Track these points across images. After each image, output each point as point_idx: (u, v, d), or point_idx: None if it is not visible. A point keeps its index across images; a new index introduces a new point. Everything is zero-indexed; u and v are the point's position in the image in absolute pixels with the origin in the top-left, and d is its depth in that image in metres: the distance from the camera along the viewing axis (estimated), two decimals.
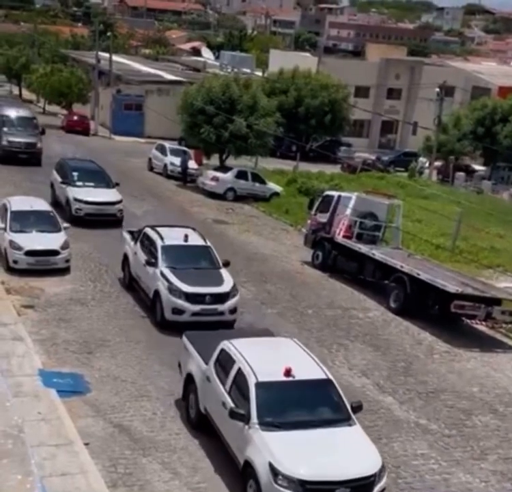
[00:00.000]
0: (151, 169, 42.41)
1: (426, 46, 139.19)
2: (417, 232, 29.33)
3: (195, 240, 20.42)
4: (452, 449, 14.46)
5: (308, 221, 27.31)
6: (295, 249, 28.23)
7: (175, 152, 41.67)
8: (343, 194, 26.53)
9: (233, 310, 18.72)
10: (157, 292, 18.59)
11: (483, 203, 41.17)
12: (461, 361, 19.12)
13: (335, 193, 26.91)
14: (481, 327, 21.71)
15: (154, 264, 19.02)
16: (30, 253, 21.24)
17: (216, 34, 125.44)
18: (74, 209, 27.03)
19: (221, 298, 18.48)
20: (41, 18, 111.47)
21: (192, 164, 40.70)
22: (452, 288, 20.34)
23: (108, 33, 70.38)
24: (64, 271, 21.75)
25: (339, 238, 25.14)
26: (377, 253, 23.64)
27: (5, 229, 21.74)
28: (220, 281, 18.96)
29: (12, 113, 39.24)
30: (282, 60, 65.07)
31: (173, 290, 18.18)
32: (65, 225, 22.89)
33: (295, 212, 33.59)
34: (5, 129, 37.72)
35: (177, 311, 18.11)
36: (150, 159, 42.71)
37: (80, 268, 22.38)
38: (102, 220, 27.12)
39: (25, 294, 19.62)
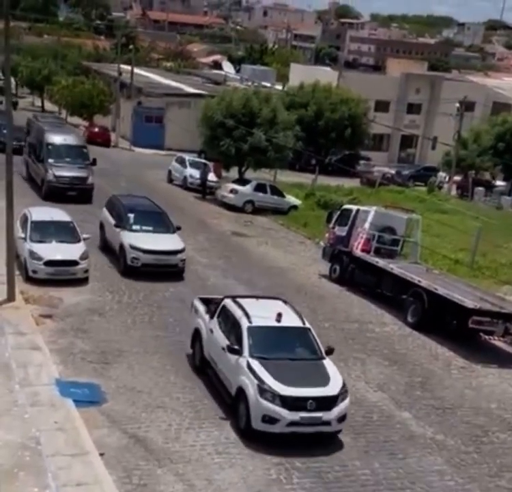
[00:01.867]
0: (170, 181, 42.63)
1: (447, 61, 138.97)
2: (435, 247, 29.25)
3: (290, 319, 15.93)
4: (468, 465, 14.35)
5: (327, 235, 27.32)
6: (313, 262, 28.22)
7: (194, 165, 41.90)
8: (361, 208, 26.54)
9: (342, 418, 14.40)
10: (241, 391, 14.39)
11: (503, 219, 40.95)
12: (478, 376, 19.00)
13: (354, 207, 26.94)
14: (499, 343, 21.57)
15: (238, 352, 14.84)
16: (49, 263, 21.38)
17: (237, 48, 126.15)
18: (130, 258, 23.00)
19: (328, 403, 14.11)
20: (65, 30, 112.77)
21: (211, 176, 40.87)
22: (470, 303, 20.24)
23: (130, 46, 71.11)
24: (83, 281, 21.86)
25: (357, 251, 25.13)
26: (395, 267, 23.60)
27: (25, 239, 21.93)
28: (325, 378, 14.61)
29: (58, 140, 33.59)
30: (302, 74, 65.25)
31: (264, 390, 13.91)
32: (85, 235, 23.04)
33: (314, 225, 33.61)
34: (50, 160, 32.56)
35: (269, 419, 13.84)
36: (170, 171, 42.95)
37: (99, 279, 22.50)
38: (161, 272, 23.35)
39: (44, 303, 19.73)
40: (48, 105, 70.87)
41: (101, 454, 12.69)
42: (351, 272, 25.43)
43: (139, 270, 23.01)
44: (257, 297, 17.33)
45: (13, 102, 58.80)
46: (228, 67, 78.49)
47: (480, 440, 15.47)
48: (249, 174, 40.59)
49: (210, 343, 16.35)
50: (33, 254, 21.41)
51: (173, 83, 66.29)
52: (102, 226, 25.85)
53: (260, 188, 37.54)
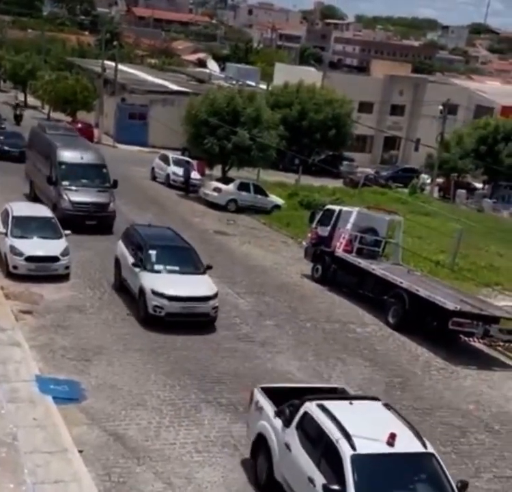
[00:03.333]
0: (153, 178, 42.51)
1: (430, 64, 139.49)
2: (417, 249, 29.38)
3: (405, 439, 11.03)
4: (447, 466, 14.32)
5: (309, 235, 27.36)
6: (295, 261, 28.25)
7: (178, 162, 41.84)
8: (344, 208, 26.62)
9: None
10: None
11: (484, 222, 41.24)
12: (457, 378, 19.11)
13: (336, 207, 27.01)
14: (479, 345, 21.69)
15: None
16: (30, 258, 21.27)
17: (222, 46, 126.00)
18: (152, 306, 18.94)
19: None
20: (49, 25, 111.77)
21: (194, 174, 40.83)
22: (450, 305, 20.35)
23: (115, 42, 70.73)
24: (64, 278, 21.77)
25: (339, 252, 25.19)
26: (377, 268, 23.68)
27: (6, 234, 21.79)
28: None
29: (73, 158, 28.48)
30: (287, 74, 65.27)
31: None
32: (66, 232, 22.92)
33: (296, 225, 33.65)
34: (64, 183, 27.61)
35: None
36: (153, 169, 42.84)
37: (80, 275, 22.40)
38: (190, 321, 19.40)
39: (24, 299, 19.61)
40: (31, 100, 70.40)
41: (80, 452, 12.63)
42: (333, 273, 25.49)
43: (163, 320, 19.07)
44: (349, 398, 12.46)
45: (17, 115, 57.46)
46: (213, 66, 78.37)
47: (458, 441, 15.58)
48: (232, 173, 40.56)
49: (286, 464, 11.70)
50: (14, 249, 21.29)
51: (157, 80, 66.11)
52: (117, 263, 21.70)
53: (243, 187, 37.52)
